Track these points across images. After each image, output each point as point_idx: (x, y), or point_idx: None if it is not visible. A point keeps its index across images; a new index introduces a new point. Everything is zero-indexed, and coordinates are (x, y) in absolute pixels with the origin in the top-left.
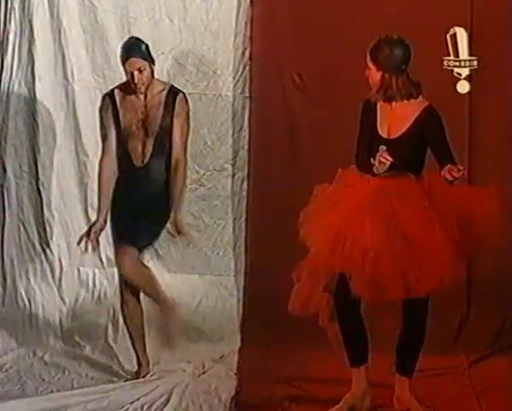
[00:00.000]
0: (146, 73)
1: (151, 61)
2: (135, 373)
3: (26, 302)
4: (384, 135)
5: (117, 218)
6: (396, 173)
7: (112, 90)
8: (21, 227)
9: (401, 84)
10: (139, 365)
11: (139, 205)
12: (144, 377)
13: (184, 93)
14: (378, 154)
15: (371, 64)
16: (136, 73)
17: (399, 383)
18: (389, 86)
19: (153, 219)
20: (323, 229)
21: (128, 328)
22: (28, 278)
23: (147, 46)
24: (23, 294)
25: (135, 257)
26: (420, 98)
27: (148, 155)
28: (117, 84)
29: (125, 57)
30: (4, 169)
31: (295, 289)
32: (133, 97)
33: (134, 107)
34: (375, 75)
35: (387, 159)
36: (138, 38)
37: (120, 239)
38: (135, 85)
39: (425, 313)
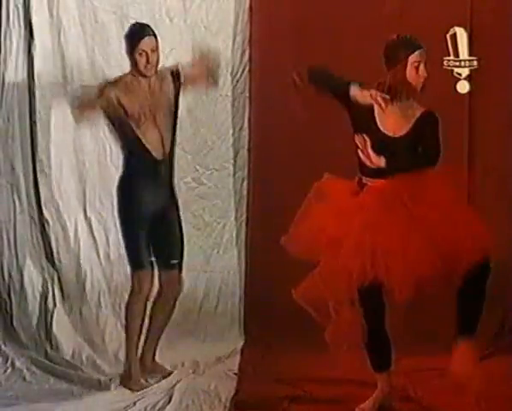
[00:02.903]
0: (156, 55)
1: (158, 44)
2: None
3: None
4: (389, 134)
5: (141, 229)
6: (402, 174)
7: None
8: (33, 224)
9: None
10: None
11: (163, 210)
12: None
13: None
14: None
15: (422, 60)
16: (150, 52)
17: (463, 345)
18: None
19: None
20: (350, 242)
21: (126, 330)
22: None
23: (151, 27)
24: (40, 290)
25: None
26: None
27: (168, 147)
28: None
29: (139, 37)
30: (13, 168)
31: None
32: (137, 85)
33: (140, 95)
34: (423, 71)
35: (384, 98)
36: (141, 22)
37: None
38: (147, 64)
39: (486, 276)
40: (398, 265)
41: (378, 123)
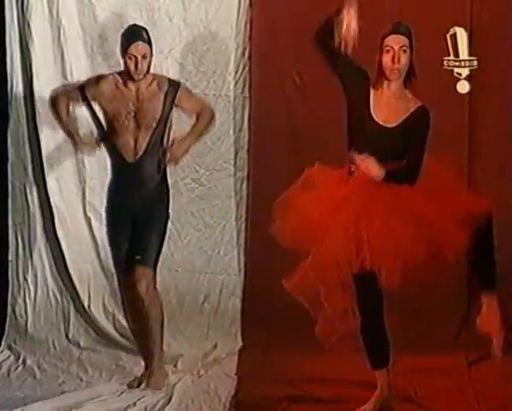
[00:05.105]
0: (147, 61)
1: (151, 50)
2: (140, 377)
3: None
4: (381, 122)
5: (120, 230)
6: (393, 163)
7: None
8: (45, 225)
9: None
10: (146, 368)
11: (139, 211)
12: (149, 381)
13: (183, 84)
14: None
15: (407, 44)
16: (140, 58)
17: (486, 299)
18: (412, 68)
19: (155, 229)
20: (339, 231)
21: (132, 331)
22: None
23: (148, 32)
24: (56, 293)
25: (151, 281)
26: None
27: (141, 150)
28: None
29: (130, 41)
30: (25, 169)
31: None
32: (124, 88)
33: (125, 98)
34: (406, 57)
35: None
36: (139, 25)
37: (131, 256)
38: (136, 70)
39: (491, 232)
40: (384, 252)
41: (372, 111)
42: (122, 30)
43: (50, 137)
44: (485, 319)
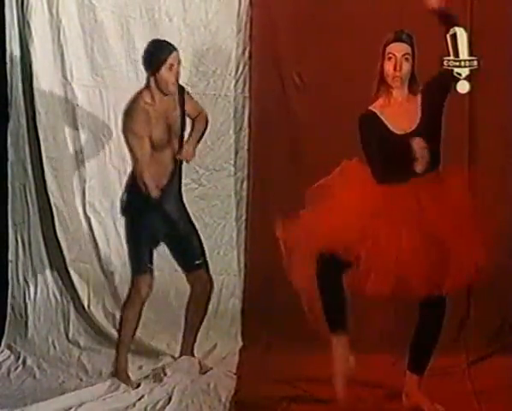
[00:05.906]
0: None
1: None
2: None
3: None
4: (400, 132)
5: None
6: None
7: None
8: (44, 226)
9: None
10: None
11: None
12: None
13: (187, 91)
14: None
15: (409, 52)
16: (175, 67)
17: (409, 380)
18: (414, 76)
19: (192, 231)
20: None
21: (119, 331)
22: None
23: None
24: (55, 293)
25: (208, 280)
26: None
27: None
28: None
29: (168, 53)
30: (25, 169)
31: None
32: (152, 109)
33: (161, 117)
34: (408, 65)
35: (424, 147)
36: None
37: (185, 264)
38: (174, 83)
39: (443, 313)
40: (380, 257)
41: (389, 127)
42: (146, 46)
43: (51, 137)
44: (409, 395)
